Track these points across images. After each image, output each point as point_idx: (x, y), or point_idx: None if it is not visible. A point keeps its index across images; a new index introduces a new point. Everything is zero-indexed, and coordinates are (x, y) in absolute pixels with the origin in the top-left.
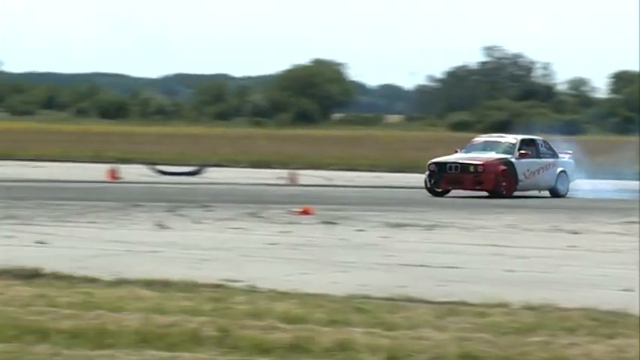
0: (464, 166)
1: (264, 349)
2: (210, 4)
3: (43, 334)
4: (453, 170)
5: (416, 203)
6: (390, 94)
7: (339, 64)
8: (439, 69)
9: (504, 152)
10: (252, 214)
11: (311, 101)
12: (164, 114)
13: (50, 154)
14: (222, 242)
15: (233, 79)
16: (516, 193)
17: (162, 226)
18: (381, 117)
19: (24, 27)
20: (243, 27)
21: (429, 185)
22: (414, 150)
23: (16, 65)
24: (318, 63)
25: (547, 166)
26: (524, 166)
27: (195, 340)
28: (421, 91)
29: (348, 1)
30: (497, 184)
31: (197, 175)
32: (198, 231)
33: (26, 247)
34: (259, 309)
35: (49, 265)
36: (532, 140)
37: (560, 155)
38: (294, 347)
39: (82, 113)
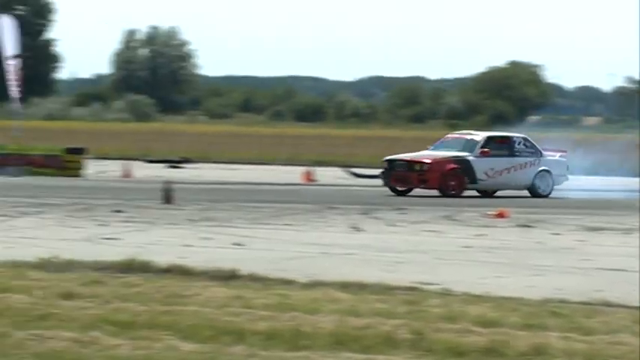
0: (410, 164)
1: (458, 352)
2: (407, 7)
3: (239, 335)
4: (401, 168)
5: (613, 206)
6: (588, 95)
7: (536, 66)
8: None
9: (466, 150)
10: (447, 217)
11: (507, 103)
12: (359, 117)
13: (247, 156)
14: (417, 245)
15: (428, 81)
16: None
17: (357, 229)
18: (578, 119)
19: (222, 31)
20: (438, 29)
21: (383, 183)
22: (611, 153)
23: (215, 69)
24: (515, 65)
25: (522, 165)
26: (486, 164)
27: (389, 343)
28: (620, 92)
29: (544, 2)
30: (444, 182)
31: None
32: (393, 234)
33: (223, 249)
34: (454, 312)
35: (245, 267)
36: (506, 138)
37: (546, 154)
38: (489, 351)
39: (278, 116)
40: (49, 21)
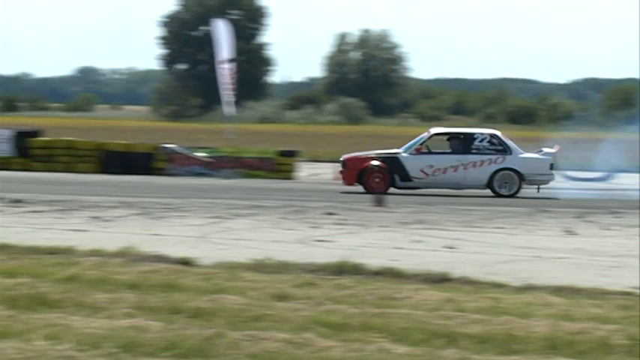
0: (343, 162)
1: None
2: (621, 9)
3: (451, 339)
4: (340, 166)
5: None
6: None
7: None
8: None
9: (409, 147)
10: None
11: None
12: (572, 119)
13: None
14: (633, 249)
15: None
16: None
17: (570, 232)
18: None
19: (432, 34)
20: None
21: None
22: None
23: (426, 72)
24: None
25: (475, 163)
26: (422, 161)
27: (604, 348)
28: None
29: None
30: (363, 180)
31: (605, 181)
32: (607, 237)
33: (435, 252)
34: None
35: (457, 270)
36: (463, 134)
37: (517, 152)
38: None
39: (490, 119)
40: (263, 25)
